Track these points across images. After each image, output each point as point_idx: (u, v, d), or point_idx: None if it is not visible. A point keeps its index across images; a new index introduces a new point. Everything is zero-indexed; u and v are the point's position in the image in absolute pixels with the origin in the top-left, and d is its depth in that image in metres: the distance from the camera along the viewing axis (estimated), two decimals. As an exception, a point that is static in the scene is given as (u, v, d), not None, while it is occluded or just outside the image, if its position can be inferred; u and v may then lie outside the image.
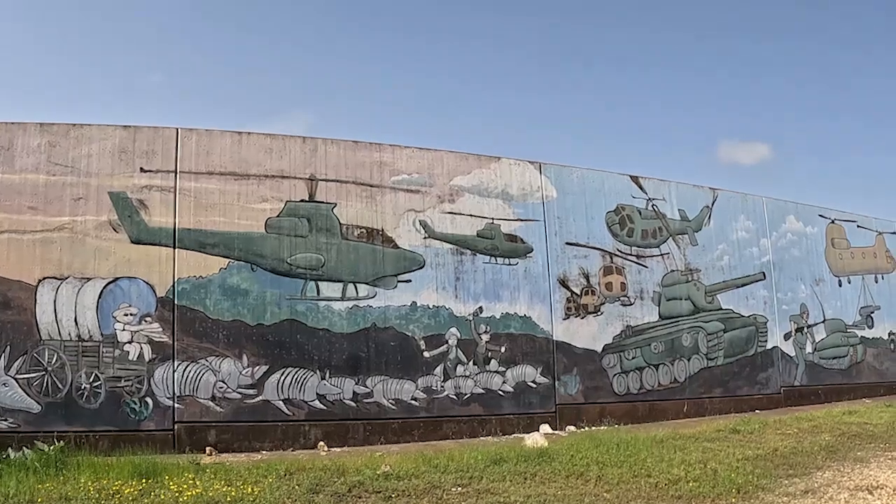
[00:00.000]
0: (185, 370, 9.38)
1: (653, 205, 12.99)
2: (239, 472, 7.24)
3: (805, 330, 14.76)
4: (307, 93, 45.15)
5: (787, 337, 14.41)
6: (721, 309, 13.45)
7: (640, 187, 12.93)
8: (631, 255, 12.56)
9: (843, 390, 15.15)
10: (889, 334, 16.54)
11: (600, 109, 43.27)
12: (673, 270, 12.97)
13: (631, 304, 12.39)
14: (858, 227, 16.45)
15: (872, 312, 16.22)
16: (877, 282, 16.56)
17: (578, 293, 11.94)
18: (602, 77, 43.24)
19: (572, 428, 11.37)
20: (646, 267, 12.67)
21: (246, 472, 7.25)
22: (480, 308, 11.15)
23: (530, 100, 42.87)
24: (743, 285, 13.87)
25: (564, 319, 11.75)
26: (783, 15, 42.17)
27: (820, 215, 15.74)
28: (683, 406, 12.65)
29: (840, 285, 15.71)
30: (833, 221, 15.96)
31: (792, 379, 14.38)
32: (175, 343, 9.37)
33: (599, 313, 12.07)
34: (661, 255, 12.89)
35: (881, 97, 42.91)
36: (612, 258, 12.36)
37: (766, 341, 13.99)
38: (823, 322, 15.16)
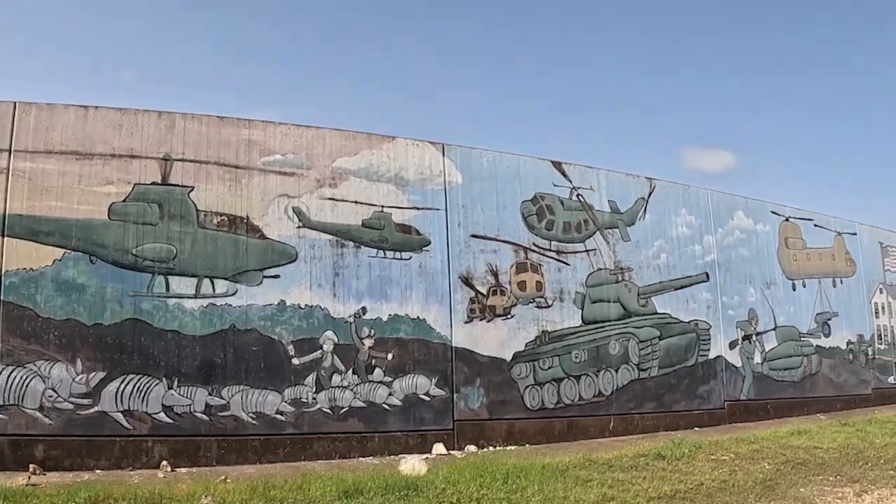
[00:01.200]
0: (9, 376, 7.88)
1: (578, 194, 11.46)
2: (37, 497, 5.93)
3: (754, 338, 13.29)
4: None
5: (732, 345, 12.92)
6: (656, 313, 11.94)
7: (564, 174, 11.41)
8: (550, 250, 11.02)
9: (796, 405, 13.68)
10: (847, 344, 15.12)
11: (558, 110, 42.05)
12: (600, 269, 11.44)
13: (548, 307, 10.84)
14: (815, 226, 15.04)
15: (829, 319, 14.79)
16: (835, 286, 15.14)
17: (485, 293, 10.38)
18: (561, 78, 42.05)
19: (473, 448, 9.81)
20: (567, 264, 11.14)
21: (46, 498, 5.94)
22: (363, 309, 9.58)
23: (491, 96, 41.53)
24: (683, 287, 12.37)
25: (467, 323, 10.18)
26: (753, 23, 41.23)
27: (772, 212, 14.31)
28: (609, 423, 11.11)
29: (794, 289, 14.25)
30: (787, 219, 14.52)
31: (737, 392, 12.89)
32: None
33: (510, 316, 10.51)
34: (587, 251, 11.36)
35: (850, 107, 42.15)
36: (526, 253, 10.81)
37: (708, 350, 12.50)
38: (774, 329, 13.69)
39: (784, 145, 42.25)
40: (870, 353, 15.64)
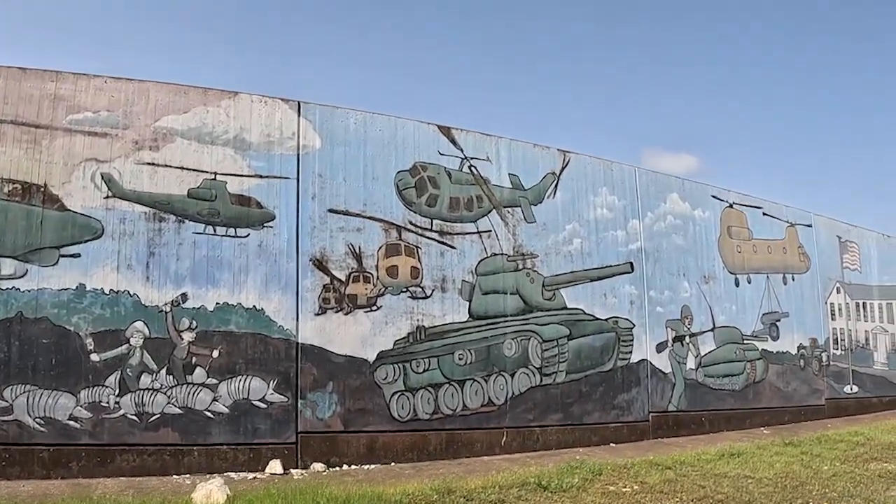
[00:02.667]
0: None
1: (471, 166, 9.66)
2: None
3: (687, 339, 11.52)
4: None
5: (660, 348, 11.15)
6: (566, 308, 10.15)
7: (454, 142, 9.60)
8: (431, 230, 9.20)
9: (736, 417, 11.93)
10: (799, 348, 13.39)
11: (512, 111, 40.47)
12: (495, 254, 9.63)
13: (426, 297, 9.02)
14: (765, 214, 13.32)
15: (778, 320, 13.06)
16: (785, 283, 13.41)
17: (343, 279, 8.55)
18: (516, 76, 40.46)
19: (320, 466, 8.01)
20: (453, 248, 9.32)
21: None
22: (184, 295, 7.76)
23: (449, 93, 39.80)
24: (601, 278, 10.58)
25: (319, 315, 8.34)
26: (715, 26, 39.87)
27: (714, 196, 12.56)
28: (501, 437, 9.30)
29: (737, 285, 12.51)
30: (731, 205, 12.78)
31: (665, 402, 11.10)
32: None
33: (375, 307, 8.68)
34: (479, 232, 9.55)
35: (811, 112, 40.99)
36: (400, 233, 8.98)
37: (630, 352, 10.71)
38: (712, 330, 11.93)
39: (745, 146, 40.98)
40: (824, 359, 13.92)
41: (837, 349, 14.35)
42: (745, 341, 12.38)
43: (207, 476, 7.27)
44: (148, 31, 39.09)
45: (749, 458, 8.80)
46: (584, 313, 10.30)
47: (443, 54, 40.03)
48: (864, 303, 15.30)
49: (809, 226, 14.24)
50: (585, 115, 40.86)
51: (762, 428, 12.21)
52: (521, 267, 9.79)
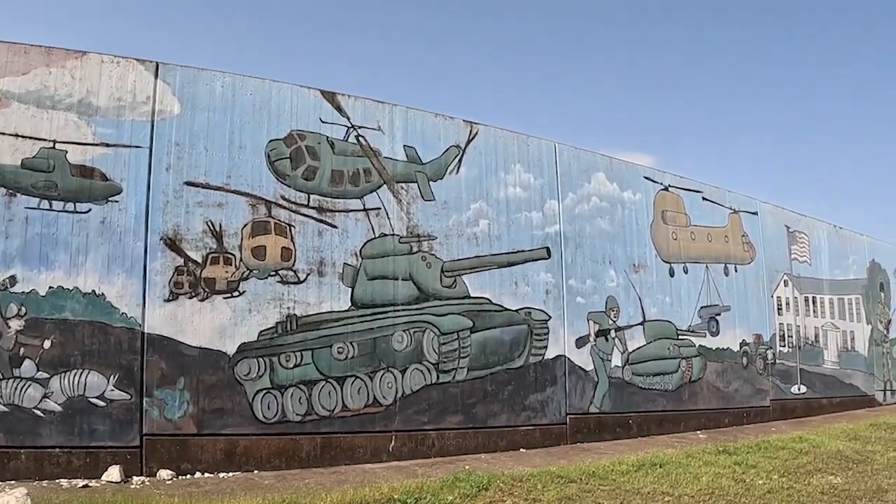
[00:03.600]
0: None
1: (359, 136, 8.60)
2: None
3: (613, 334, 10.53)
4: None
5: (581, 343, 10.15)
6: (469, 297, 9.11)
7: (339, 109, 8.54)
8: (308, 206, 8.13)
9: (668, 420, 10.96)
10: (741, 345, 12.47)
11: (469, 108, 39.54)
12: (385, 234, 8.58)
13: (300, 282, 7.95)
14: (705, 199, 12.39)
15: (718, 314, 12.13)
16: (727, 274, 12.49)
17: (200, 261, 7.45)
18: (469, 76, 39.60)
19: (167, 474, 6.94)
20: (333, 227, 8.26)
21: None
22: (12, 278, 6.70)
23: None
24: (512, 264, 9.57)
25: (169, 301, 7.25)
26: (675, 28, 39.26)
27: (647, 178, 11.61)
28: (389, 442, 8.23)
29: (672, 275, 11.55)
30: (667, 188, 11.84)
31: (586, 403, 10.09)
32: None
33: (236, 293, 7.59)
34: (366, 210, 8.50)
35: (773, 114, 40.50)
36: (270, 209, 7.90)
37: (544, 347, 9.70)
38: (642, 324, 10.96)
39: (706, 145, 40.40)
40: (769, 356, 13.01)
41: (785, 346, 13.46)
42: (681, 337, 11.43)
43: (29, 483, 6.20)
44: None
45: (673, 469, 7.69)
46: (491, 303, 9.27)
47: (398, 48, 39.12)
48: (813, 297, 14.43)
49: (755, 213, 13.35)
50: (543, 111, 40.03)
51: (698, 432, 11.25)
52: (415, 250, 8.74)
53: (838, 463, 8.37)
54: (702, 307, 11.84)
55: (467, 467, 7.57)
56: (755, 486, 7.02)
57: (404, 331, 8.48)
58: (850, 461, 8.44)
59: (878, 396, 16.06)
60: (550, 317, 9.85)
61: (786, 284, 13.72)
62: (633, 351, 10.75)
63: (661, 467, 7.71)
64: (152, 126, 7.44)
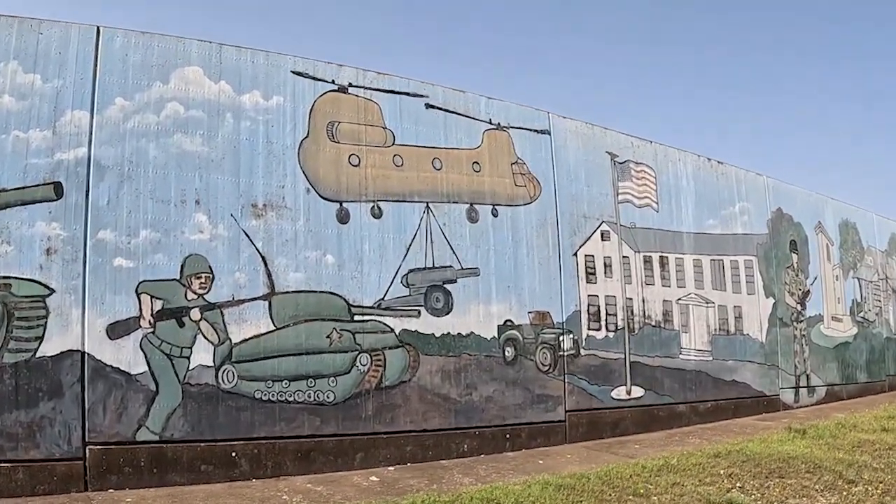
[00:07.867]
0: None
1: None
2: None
3: (197, 314, 6.50)
4: None
5: (118, 330, 6.19)
6: None
7: None
8: None
9: (326, 451, 6.80)
10: (504, 328, 8.12)
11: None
12: None
13: None
14: (430, 107, 8.14)
15: (448, 282, 7.84)
16: (475, 220, 8.18)
17: None
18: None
19: None
20: None
21: None
22: None
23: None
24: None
25: None
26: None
27: (297, 72, 7.46)
28: None
29: (344, 220, 7.38)
30: (343, 89, 7.66)
31: (131, 426, 6.09)
32: None
33: None
34: None
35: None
36: None
37: (38, 339, 5.84)
38: (268, 298, 6.84)
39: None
40: (565, 345, 8.55)
41: (600, 329, 8.95)
42: (360, 318, 7.22)
43: None
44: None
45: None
46: None
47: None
48: (663, 258, 9.81)
49: (544, 132, 8.95)
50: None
51: (390, 468, 7.04)
52: None
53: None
54: (410, 271, 7.60)
55: None
56: None
57: None
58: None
59: (783, 396, 11.17)
60: (53, 290, 5.93)
61: (605, 238, 9.22)
62: (246, 341, 6.66)
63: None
64: None
